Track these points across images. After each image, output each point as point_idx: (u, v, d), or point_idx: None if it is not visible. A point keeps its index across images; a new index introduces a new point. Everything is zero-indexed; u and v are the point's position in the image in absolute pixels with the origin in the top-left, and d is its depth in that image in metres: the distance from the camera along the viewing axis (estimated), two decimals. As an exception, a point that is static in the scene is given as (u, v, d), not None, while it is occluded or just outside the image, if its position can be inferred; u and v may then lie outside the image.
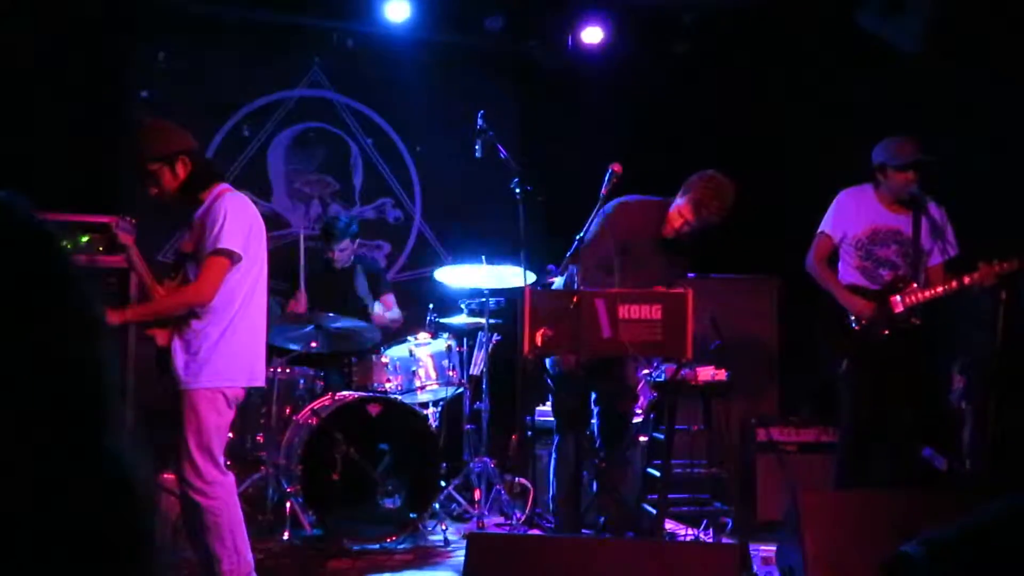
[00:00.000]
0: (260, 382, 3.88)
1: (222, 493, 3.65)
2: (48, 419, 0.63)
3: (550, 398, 5.09)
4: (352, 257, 6.11)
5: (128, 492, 0.67)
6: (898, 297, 4.84)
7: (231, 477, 3.75)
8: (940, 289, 4.77)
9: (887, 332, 4.84)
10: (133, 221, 3.94)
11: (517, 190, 4.71)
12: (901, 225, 4.95)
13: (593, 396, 4.87)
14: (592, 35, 6.98)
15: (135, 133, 3.79)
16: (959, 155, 5.32)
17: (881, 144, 4.96)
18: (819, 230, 5.10)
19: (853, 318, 4.90)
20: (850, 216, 5.03)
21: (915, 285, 4.85)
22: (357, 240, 6.09)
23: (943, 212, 4.97)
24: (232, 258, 3.64)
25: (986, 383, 4.92)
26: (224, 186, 3.81)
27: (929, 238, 4.92)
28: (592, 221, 4.54)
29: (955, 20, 5.59)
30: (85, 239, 4.68)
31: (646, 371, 4.76)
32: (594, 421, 4.86)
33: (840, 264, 5.08)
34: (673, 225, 4.62)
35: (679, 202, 4.61)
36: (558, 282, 4.75)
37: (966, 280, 4.69)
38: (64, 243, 0.69)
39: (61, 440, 0.63)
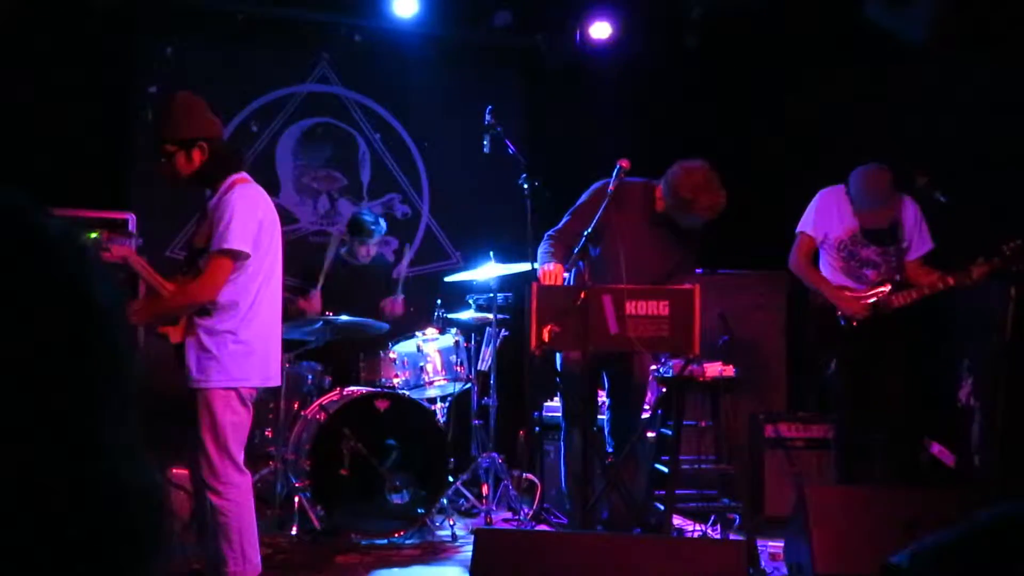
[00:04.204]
0: (275, 382, 3.80)
1: (236, 495, 3.60)
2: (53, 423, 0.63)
3: (559, 394, 5.09)
4: (372, 253, 6.15)
5: (133, 496, 0.67)
6: (889, 297, 4.87)
7: (248, 477, 3.69)
8: (927, 289, 4.81)
9: (876, 330, 4.87)
10: (118, 235, 3.88)
11: (525, 185, 4.71)
12: (880, 225, 4.97)
13: (601, 392, 4.88)
14: (600, 30, 6.96)
15: (161, 105, 3.69)
16: (960, 148, 5.32)
17: (852, 176, 5.00)
18: (799, 230, 5.16)
19: (841, 317, 4.93)
20: (831, 217, 5.07)
21: (892, 284, 4.89)
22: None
23: (917, 208, 5.02)
24: (236, 258, 3.57)
25: (994, 380, 4.92)
26: (238, 176, 3.69)
27: (906, 234, 4.95)
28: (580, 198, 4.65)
29: (964, 9, 5.56)
30: (94, 235, 4.68)
31: (653, 367, 4.76)
32: (602, 416, 4.86)
33: (821, 265, 5.11)
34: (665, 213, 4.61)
35: (664, 196, 4.58)
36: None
37: (951, 280, 4.74)
38: (80, 240, 0.69)
39: (61, 441, 0.63)
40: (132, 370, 0.70)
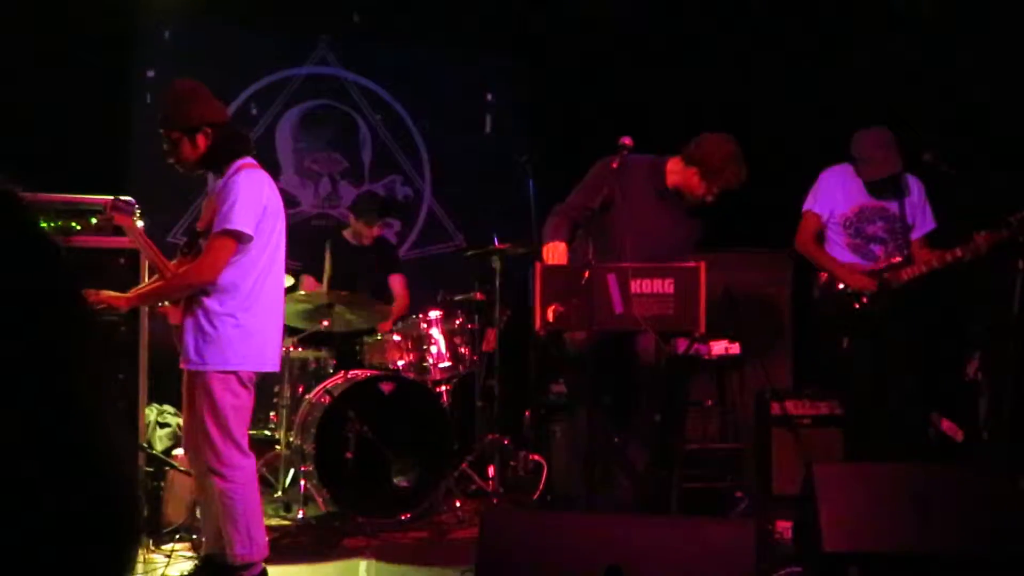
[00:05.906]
0: (272, 367, 3.76)
1: (240, 477, 3.59)
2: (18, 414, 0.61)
3: (564, 374, 5.06)
4: (375, 235, 6.15)
5: (107, 488, 0.65)
6: (899, 271, 4.84)
7: (252, 459, 3.68)
8: (936, 263, 4.77)
9: (890, 307, 4.84)
10: (130, 201, 3.83)
11: (527, 164, 4.67)
12: (885, 202, 4.96)
13: (606, 371, 4.85)
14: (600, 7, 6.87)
15: (164, 93, 3.69)
16: (959, 122, 5.28)
17: (856, 137, 4.94)
18: (805, 208, 5.13)
19: (852, 295, 4.91)
20: (837, 195, 5.04)
21: (900, 259, 4.86)
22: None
23: (922, 186, 4.99)
24: (239, 239, 3.54)
25: (1003, 354, 4.89)
26: (244, 161, 3.67)
27: (911, 213, 4.95)
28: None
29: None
30: (94, 220, 4.64)
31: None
32: (607, 396, 4.84)
33: (827, 244, 5.09)
34: (690, 191, 4.57)
35: (690, 171, 4.54)
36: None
37: (959, 252, 4.69)
38: (38, 225, 0.66)
39: (33, 436, 0.61)
40: (80, 340, 0.67)
